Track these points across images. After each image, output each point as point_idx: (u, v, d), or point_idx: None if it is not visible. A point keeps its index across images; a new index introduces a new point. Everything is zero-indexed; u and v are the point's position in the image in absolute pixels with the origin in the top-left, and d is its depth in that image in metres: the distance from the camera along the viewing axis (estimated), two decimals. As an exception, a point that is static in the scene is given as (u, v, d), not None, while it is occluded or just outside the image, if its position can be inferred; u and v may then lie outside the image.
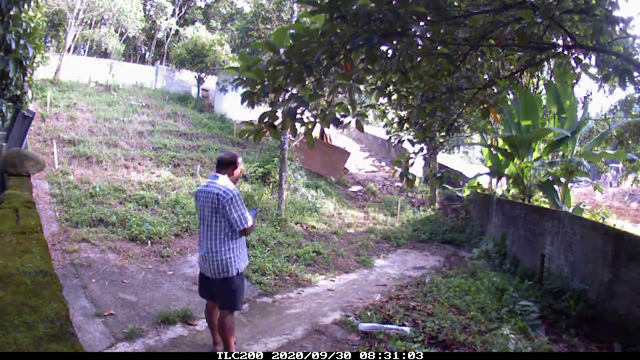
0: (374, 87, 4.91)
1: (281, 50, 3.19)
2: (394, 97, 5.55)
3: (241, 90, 3.44)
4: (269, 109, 3.48)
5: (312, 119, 3.47)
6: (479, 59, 5.49)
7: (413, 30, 3.36)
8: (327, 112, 3.47)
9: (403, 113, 6.75)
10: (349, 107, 3.59)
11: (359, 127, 3.70)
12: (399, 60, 4.01)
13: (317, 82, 3.55)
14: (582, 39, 4.50)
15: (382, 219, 14.46)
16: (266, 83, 3.27)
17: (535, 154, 12.01)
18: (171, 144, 15.99)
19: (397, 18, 3.00)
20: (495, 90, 5.20)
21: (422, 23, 3.42)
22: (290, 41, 3.15)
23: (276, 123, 3.40)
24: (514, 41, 4.01)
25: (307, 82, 3.45)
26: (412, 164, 5.47)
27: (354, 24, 3.09)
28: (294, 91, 3.50)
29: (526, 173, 11.43)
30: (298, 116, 3.33)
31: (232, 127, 20.19)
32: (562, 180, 10.86)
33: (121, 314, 6.18)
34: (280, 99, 3.57)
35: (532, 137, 11.05)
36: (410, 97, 5.53)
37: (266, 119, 3.39)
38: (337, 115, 3.47)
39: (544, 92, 13.90)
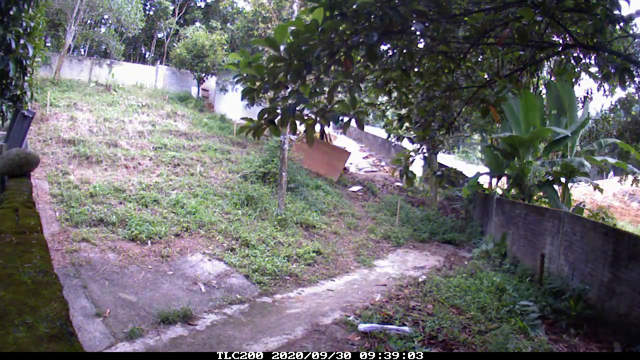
0: (374, 84, 4.90)
1: (281, 47, 3.19)
2: (395, 94, 5.54)
3: (241, 88, 3.44)
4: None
5: (312, 116, 3.46)
6: (480, 57, 5.49)
7: (413, 28, 3.35)
8: (327, 110, 3.46)
9: (403, 111, 6.75)
10: (349, 105, 3.58)
11: (360, 125, 3.70)
12: (399, 59, 4.01)
13: (317, 80, 3.54)
14: (582, 38, 4.49)
15: (382, 219, 14.45)
16: (266, 79, 3.26)
17: (536, 154, 12.00)
18: (171, 144, 15.97)
19: (397, 16, 3.00)
20: (495, 89, 5.20)
21: (422, 21, 3.42)
22: (291, 38, 3.14)
23: (276, 120, 3.39)
24: (515, 40, 4.01)
25: (307, 80, 3.44)
26: (412, 161, 5.47)
27: (354, 21, 3.08)
28: (294, 88, 3.49)
29: (526, 173, 11.41)
30: (298, 113, 3.33)
31: (232, 127, 20.18)
32: (562, 180, 10.86)
33: (121, 314, 6.17)
34: (280, 96, 3.56)
35: (532, 137, 11.04)
36: (410, 95, 5.53)
37: (266, 116, 3.38)
38: (337, 113, 3.46)
39: (544, 91, 13.89)
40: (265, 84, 3.24)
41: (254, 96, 3.36)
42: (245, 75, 3.23)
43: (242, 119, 3.61)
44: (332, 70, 3.66)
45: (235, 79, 3.42)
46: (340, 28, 3.17)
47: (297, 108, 3.24)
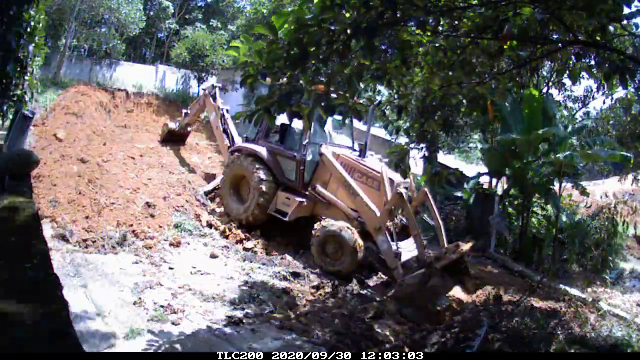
0: (373, 73, 4.84)
1: (281, 35, 3.19)
2: (394, 83, 5.47)
3: (241, 90, 3.43)
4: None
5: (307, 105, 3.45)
6: (480, 55, 5.45)
7: (413, 21, 3.34)
8: (323, 97, 3.45)
9: (402, 103, 6.66)
10: (347, 95, 3.57)
11: (358, 117, 3.70)
12: (398, 50, 3.99)
13: (314, 70, 3.52)
14: (583, 36, 4.47)
15: (382, 219, 14.42)
16: (264, 65, 3.26)
17: (537, 154, 11.96)
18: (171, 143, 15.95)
19: (394, 9, 3.00)
20: (494, 86, 5.16)
21: (421, 15, 3.40)
22: (291, 26, 3.14)
23: (272, 109, 3.37)
24: (516, 36, 3.99)
25: (305, 68, 3.42)
26: (408, 152, 5.42)
27: (353, 13, 3.08)
28: (292, 77, 3.47)
29: (526, 173, 11.36)
30: (295, 103, 3.32)
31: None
32: (557, 182, 10.82)
33: (121, 314, 6.16)
34: (277, 85, 3.53)
35: (532, 137, 10.99)
36: (410, 84, 5.46)
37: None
38: (335, 103, 3.45)
39: (544, 90, 13.86)
40: (264, 69, 3.24)
41: (252, 82, 3.35)
42: (246, 61, 3.24)
43: (240, 104, 3.62)
44: (330, 60, 3.64)
45: (235, 65, 3.44)
46: (339, 19, 3.16)
47: (294, 97, 3.23)
